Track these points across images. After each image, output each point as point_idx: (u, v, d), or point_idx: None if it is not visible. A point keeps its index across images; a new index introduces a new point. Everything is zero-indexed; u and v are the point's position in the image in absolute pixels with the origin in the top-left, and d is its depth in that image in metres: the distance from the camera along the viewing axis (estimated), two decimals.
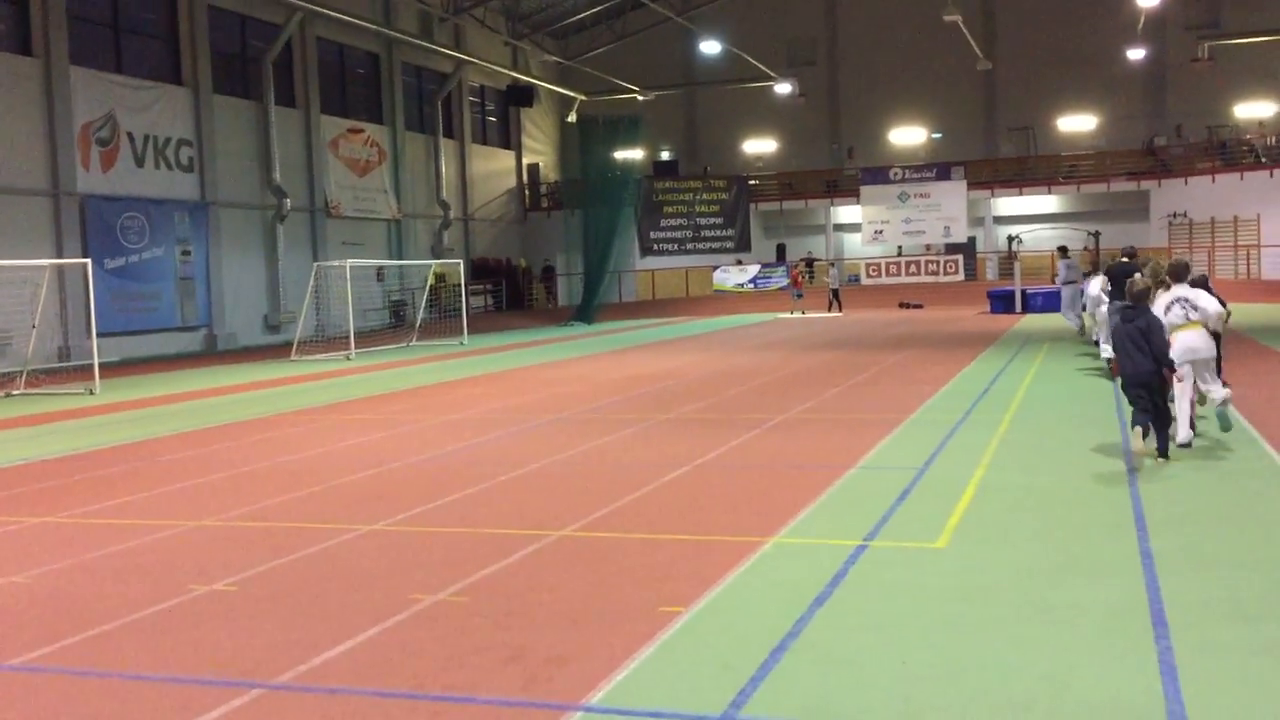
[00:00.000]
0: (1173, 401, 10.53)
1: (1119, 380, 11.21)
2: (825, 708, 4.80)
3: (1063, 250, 26.90)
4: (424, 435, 13.67)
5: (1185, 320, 10.57)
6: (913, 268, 47.91)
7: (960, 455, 10.80)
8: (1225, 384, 10.96)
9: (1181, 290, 10.73)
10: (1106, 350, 16.10)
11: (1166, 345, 9.97)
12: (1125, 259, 17.88)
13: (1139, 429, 9.72)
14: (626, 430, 13.37)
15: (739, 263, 49.10)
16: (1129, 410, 10.29)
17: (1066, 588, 6.41)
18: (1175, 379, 10.36)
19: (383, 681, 5.38)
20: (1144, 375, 9.91)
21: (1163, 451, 10.03)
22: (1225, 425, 10.67)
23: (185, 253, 31.96)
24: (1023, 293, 36.15)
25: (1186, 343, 10.44)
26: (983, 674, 5.13)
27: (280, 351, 30.29)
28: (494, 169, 48.91)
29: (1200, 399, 10.93)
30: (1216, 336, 10.93)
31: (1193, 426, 10.67)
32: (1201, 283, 11.17)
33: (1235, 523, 7.82)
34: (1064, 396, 14.97)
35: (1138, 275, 11.51)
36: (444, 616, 6.37)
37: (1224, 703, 4.71)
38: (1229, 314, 11.24)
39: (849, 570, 6.92)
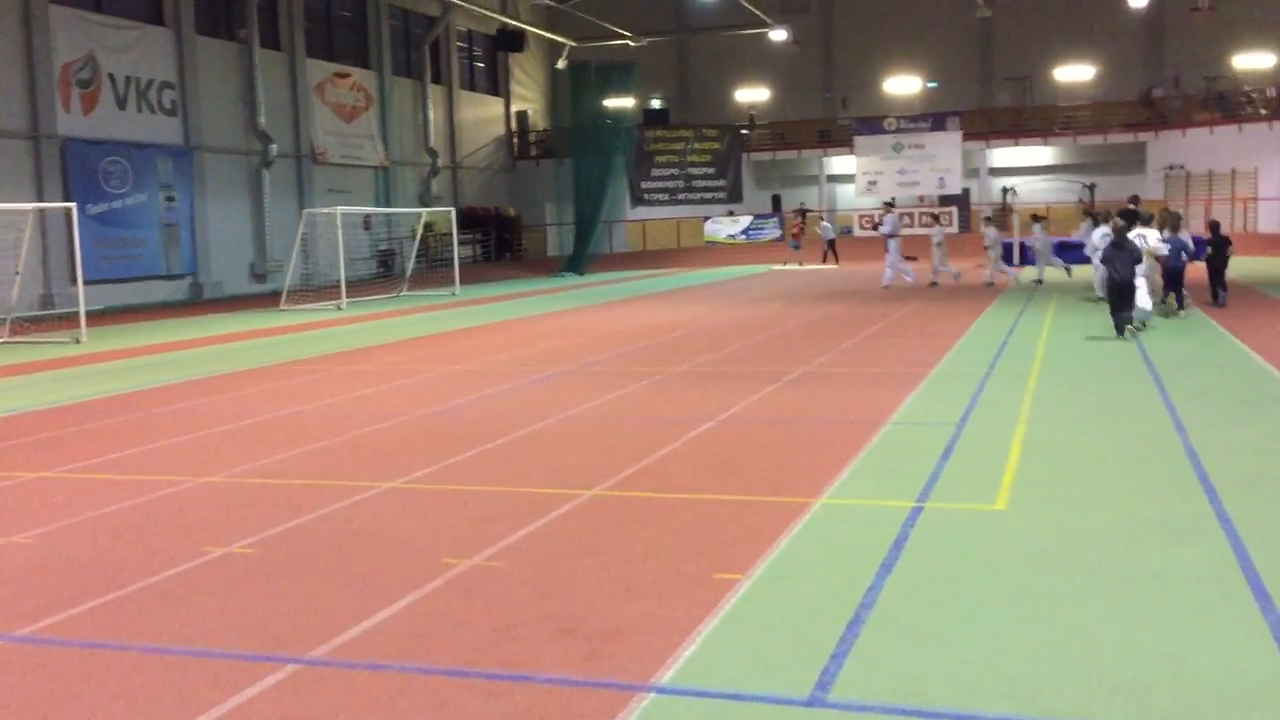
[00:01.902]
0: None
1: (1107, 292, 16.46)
2: (922, 690, 4.38)
3: (1035, 218, 29.12)
4: (430, 387, 13.18)
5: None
6: (907, 219, 47.35)
7: (996, 411, 10.40)
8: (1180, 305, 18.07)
9: (1140, 229, 16.62)
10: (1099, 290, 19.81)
11: (1139, 261, 15.59)
12: (1131, 207, 20.92)
13: (1119, 322, 15.29)
14: (640, 383, 12.91)
15: (731, 214, 48.49)
16: (1159, 357, 12.30)
17: (1147, 554, 6.01)
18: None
19: (428, 657, 4.95)
20: (1128, 281, 15.30)
21: (1120, 331, 15.28)
22: (1138, 325, 15.72)
23: (169, 199, 31.18)
24: (1021, 244, 35.72)
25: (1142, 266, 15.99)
26: (1086, 651, 4.72)
27: (268, 301, 29.67)
28: (482, 116, 48.01)
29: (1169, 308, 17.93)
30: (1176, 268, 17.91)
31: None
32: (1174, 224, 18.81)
33: None
34: (1087, 349, 14.57)
35: (1115, 220, 17.09)
36: (483, 583, 5.92)
37: None
38: (1163, 253, 17.22)
39: (909, 534, 6.50)
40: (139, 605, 5.78)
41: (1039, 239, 27.24)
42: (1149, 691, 4.29)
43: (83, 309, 20.73)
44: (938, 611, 5.27)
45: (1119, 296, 15.33)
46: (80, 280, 21.05)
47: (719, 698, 4.40)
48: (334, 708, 4.46)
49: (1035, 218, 29.35)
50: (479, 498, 7.80)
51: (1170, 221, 19.11)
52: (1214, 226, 20.87)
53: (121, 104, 29.85)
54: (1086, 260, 22.71)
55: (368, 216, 36.82)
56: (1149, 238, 16.62)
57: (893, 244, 27.69)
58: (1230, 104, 45.09)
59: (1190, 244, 18.92)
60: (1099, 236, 19.44)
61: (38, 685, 4.79)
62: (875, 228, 32.65)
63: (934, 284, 27.23)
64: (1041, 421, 9.80)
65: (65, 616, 5.65)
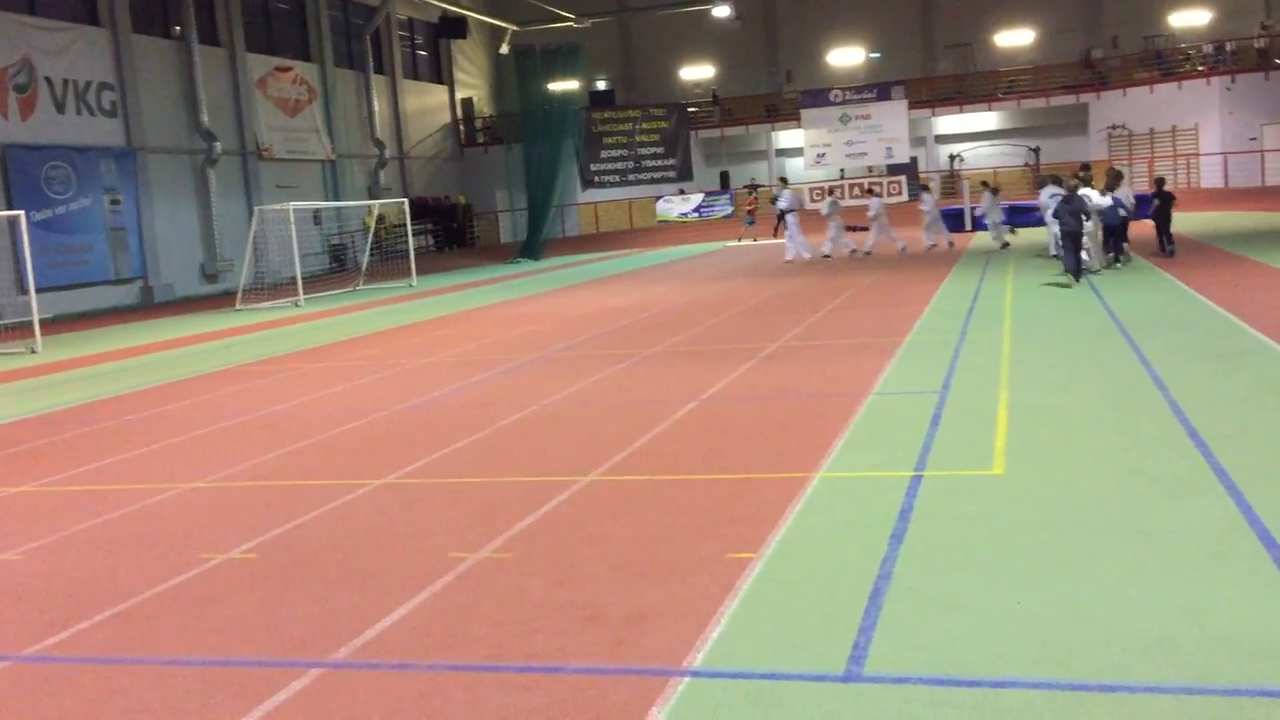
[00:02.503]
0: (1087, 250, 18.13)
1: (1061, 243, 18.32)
2: (957, 659, 4.40)
3: (985, 184, 29.92)
4: (404, 380, 13.06)
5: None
6: (856, 190, 47.58)
7: (976, 376, 10.47)
8: (1114, 256, 19.73)
9: (1084, 189, 18.48)
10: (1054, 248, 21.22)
11: (1087, 215, 17.74)
12: (1081, 173, 21.57)
13: (1070, 275, 17.30)
14: (616, 366, 12.87)
15: (682, 192, 48.47)
16: (1124, 314, 12.54)
17: (1152, 511, 6.08)
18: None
19: (454, 653, 4.90)
20: (1077, 233, 17.28)
21: (1077, 277, 17.31)
22: (1081, 273, 17.62)
23: (114, 202, 30.60)
24: (971, 210, 35.98)
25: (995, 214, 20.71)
26: (1110, 611, 4.76)
27: (222, 301, 29.28)
28: (427, 105, 47.58)
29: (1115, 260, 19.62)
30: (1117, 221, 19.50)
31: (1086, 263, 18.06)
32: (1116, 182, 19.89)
33: None
34: (1053, 312, 14.71)
35: (1069, 180, 19.11)
36: (495, 576, 5.88)
37: None
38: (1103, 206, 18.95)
39: (914, 503, 6.53)
40: (147, 617, 5.68)
41: (986, 204, 27.63)
42: (1178, 647, 4.34)
43: (36, 317, 20.32)
44: (956, 579, 5.29)
45: (1072, 246, 17.41)
46: (32, 287, 20.60)
47: (755, 678, 4.39)
48: (366, 710, 4.40)
49: (985, 184, 29.71)
50: (474, 490, 7.74)
51: (1110, 180, 20.15)
52: (1158, 183, 22.12)
53: (60, 107, 29.23)
54: (1040, 222, 23.16)
55: (318, 211, 36.38)
56: (1093, 196, 18.62)
57: (791, 220, 28.13)
58: (1168, 62, 45.66)
59: (1130, 201, 20.20)
60: (1047, 196, 20.67)
61: (54, 706, 4.69)
62: (772, 202, 33.16)
63: (826, 256, 27.87)
64: (1023, 384, 9.88)
65: (72, 633, 5.54)
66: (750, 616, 5.04)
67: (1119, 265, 19.59)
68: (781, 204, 29.13)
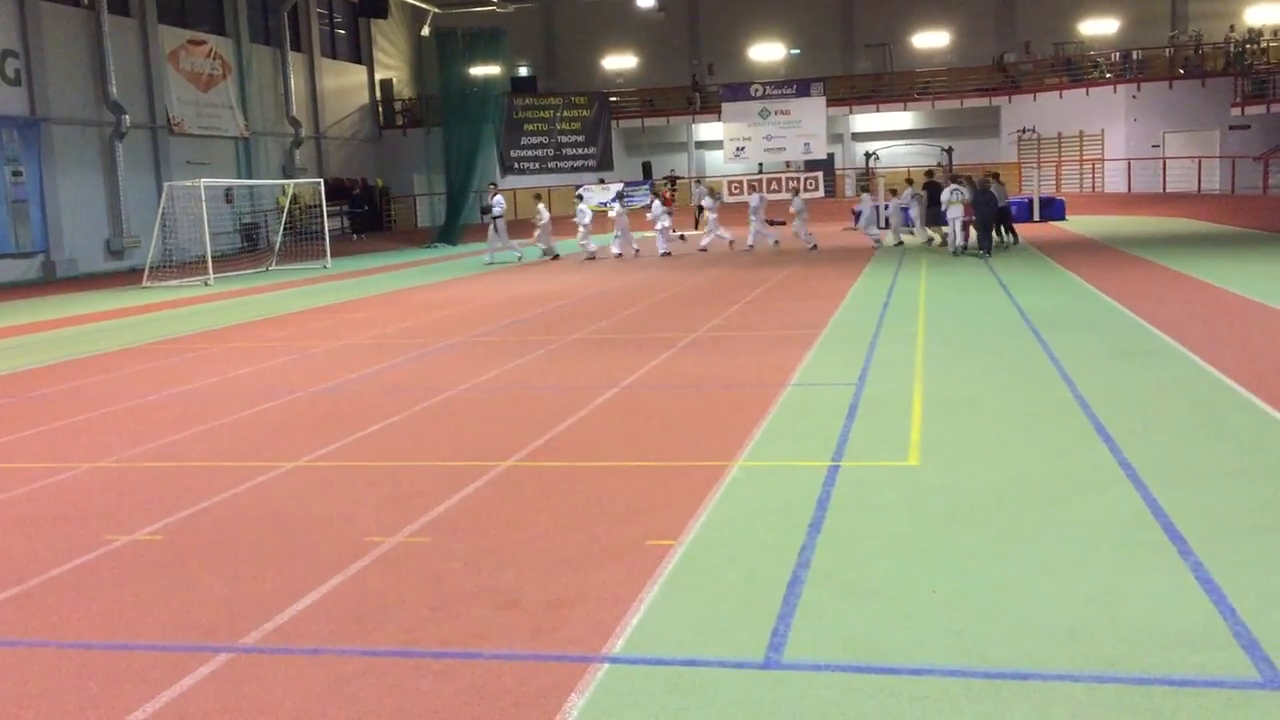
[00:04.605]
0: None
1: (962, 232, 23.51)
2: (874, 646, 4.44)
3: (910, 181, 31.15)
4: (318, 363, 12.84)
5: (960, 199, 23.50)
6: (774, 185, 47.92)
7: (891, 369, 10.60)
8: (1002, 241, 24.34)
9: (959, 185, 23.90)
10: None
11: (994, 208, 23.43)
12: (990, 177, 25.53)
13: (983, 253, 22.30)
14: (535, 353, 12.79)
15: (602, 181, 48.28)
16: (1034, 313, 12.95)
17: (1062, 504, 6.20)
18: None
19: (369, 638, 4.81)
20: (989, 221, 23.01)
21: (988, 252, 22.51)
22: (955, 251, 23.28)
23: (16, 173, 29.60)
24: (886, 208, 36.45)
25: (955, 210, 23.60)
26: (1023, 601, 4.84)
27: (128, 279, 28.53)
28: (345, 85, 46.80)
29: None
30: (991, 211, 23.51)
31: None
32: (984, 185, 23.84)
33: (1196, 431, 7.75)
34: (966, 308, 14.96)
35: (982, 179, 24.41)
36: (411, 560, 5.79)
37: None
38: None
39: (831, 493, 6.59)
40: (46, 599, 5.49)
41: (903, 203, 28.19)
42: (1090, 638, 4.42)
43: None
44: (873, 568, 5.34)
45: (984, 232, 22.87)
46: None
47: (675, 664, 4.38)
48: (277, 696, 4.30)
49: (910, 181, 30.24)
50: (390, 473, 7.63)
51: (979, 181, 24.49)
52: (984, 184, 24.38)
53: None
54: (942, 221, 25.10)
55: (230, 189, 35.58)
56: (965, 192, 23.70)
57: (659, 216, 29.25)
58: (1078, 68, 46.73)
59: (1003, 199, 25.18)
60: (948, 193, 24.08)
61: None
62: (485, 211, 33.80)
63: (714, 245, 28.95)
64: (937, 379, 10.03)
65: None
66: (670, 603, 5.03)
67: (1005, 247, 24.23)
68: (703, 201, 29.63)
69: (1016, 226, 25.96)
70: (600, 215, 32.93)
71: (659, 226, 28.94)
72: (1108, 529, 5.71)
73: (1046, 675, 4.10)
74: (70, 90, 31.55)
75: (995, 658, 4.28)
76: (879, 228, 29.29)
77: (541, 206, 29.31)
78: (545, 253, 29.35)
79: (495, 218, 28.86)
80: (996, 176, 25.96)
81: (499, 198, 29.53)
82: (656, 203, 30.49)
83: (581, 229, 28.84)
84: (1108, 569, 5.16)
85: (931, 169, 33.05)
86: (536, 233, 29.06)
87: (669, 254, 28.06)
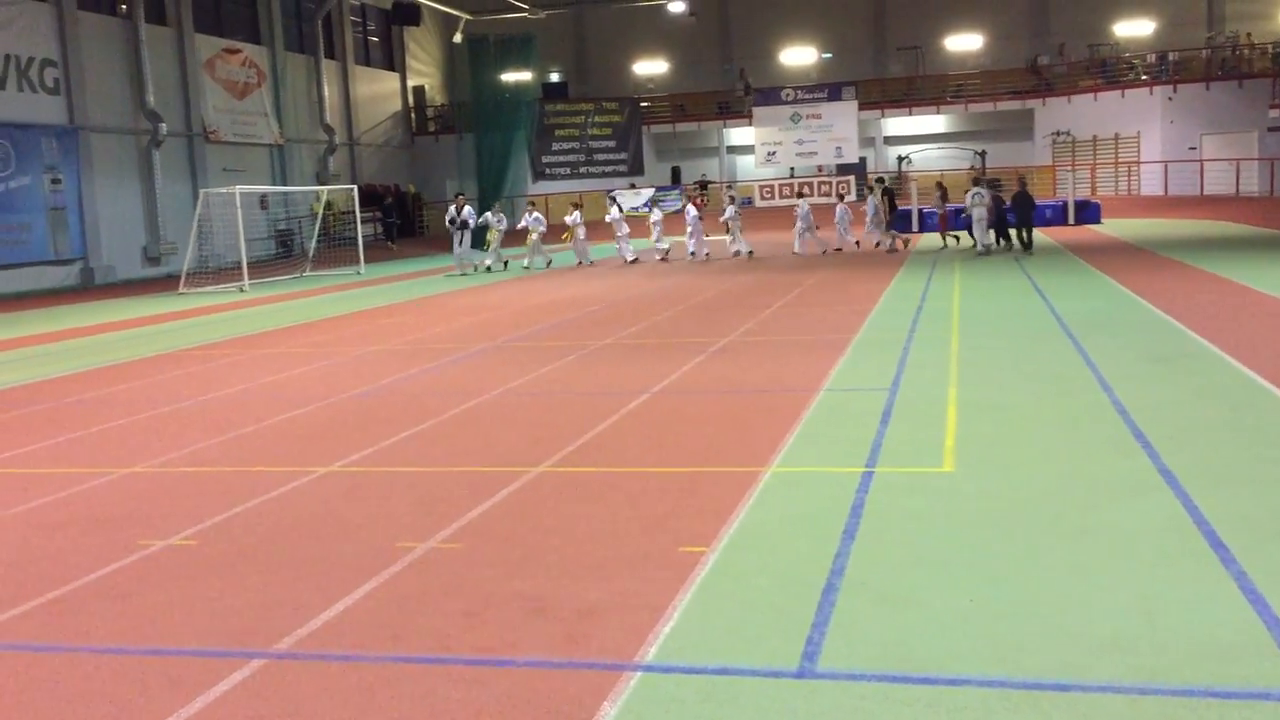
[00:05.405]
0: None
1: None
2: (910, 656, 4.39)
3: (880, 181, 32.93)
4: (352, 368, 12.89)
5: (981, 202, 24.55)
6: (805, 189, 47.79)
7: (925, 374, 10.51)
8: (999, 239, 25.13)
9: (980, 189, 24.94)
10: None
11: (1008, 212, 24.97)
12: (1020, 186, 26.13)
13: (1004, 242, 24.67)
14: (568, 358, 12.79)
15: (633, 186, 48.36)
16: (1069, 317, 12.31)
17: (1100, 510, 6.11)
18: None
19: (400, 645, 4.81)
20: (1030, 221, 24.45)
21: (1028, 249, 23.93)
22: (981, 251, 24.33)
23: (55, 181, 29.96)
24: (919, 211, 36.26)
25: (979, 212, 24.57)
26: (1061, 609, 4.77)
27: (164, 285, 28.78)
28: (378, 91, 47.08)
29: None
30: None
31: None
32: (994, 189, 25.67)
33: (1235, 436, 7.63)
34: (999, 312, 14.84)
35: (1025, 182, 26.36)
36: (443, 566, 5.79)
37: None
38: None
39: (865, 500, 6.53)
40: (82, 604, 5.52)
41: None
42: (1130, 647, 4.35)
43: None
44: (908, 576, 5.29)
45: (1003, 230, 24.80)
46: None
47: (708, 673, 4.34)
48: (310, 703, 4.30)
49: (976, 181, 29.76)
50: (422, 479, 7.63)
51: (1018, 181, 26.23)
52: (1021, 185, 25.92)
53: (1, 83, 28.55)
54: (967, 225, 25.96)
55: (265, 195, 35.85)
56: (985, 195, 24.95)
57: (693, 221, 29.02)
58: (1113, 70, 46.33)
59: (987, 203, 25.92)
60: (970, 196, 25.08)
61: None
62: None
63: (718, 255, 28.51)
64: (971, 383, 9.94)
65: (3, 620, 5.37)
66: (703, 611, 5.00)
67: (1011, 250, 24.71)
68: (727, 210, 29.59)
69: (1048, 230, 26.53)
70: (632, 219, 32.90)
71: (690, 231, 28.93)
72: (1147, 536, 5.62)
73: (1088, 686, 4.03)
74: (108, 99, 31.89)
75: (1034, 668, 4.22)
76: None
77: (578, 214, 29.14)
78: (529, 264, 29.04)
79: (463, 228, 28.44)
80: (1023, 180, 26.88)
81: (469, 208, 29.27)
82: (690, 207, 30.45)
83: (620, 234, 28.81)
84: (1148, 577, 5.08)
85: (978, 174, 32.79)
86: (533, 237, 28.88)
87: (707, 256, 28.02)
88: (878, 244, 27.75)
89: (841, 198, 31.55)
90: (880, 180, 32.78)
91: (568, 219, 29.26)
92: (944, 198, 29.38)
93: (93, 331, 18.77)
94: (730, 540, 5.94)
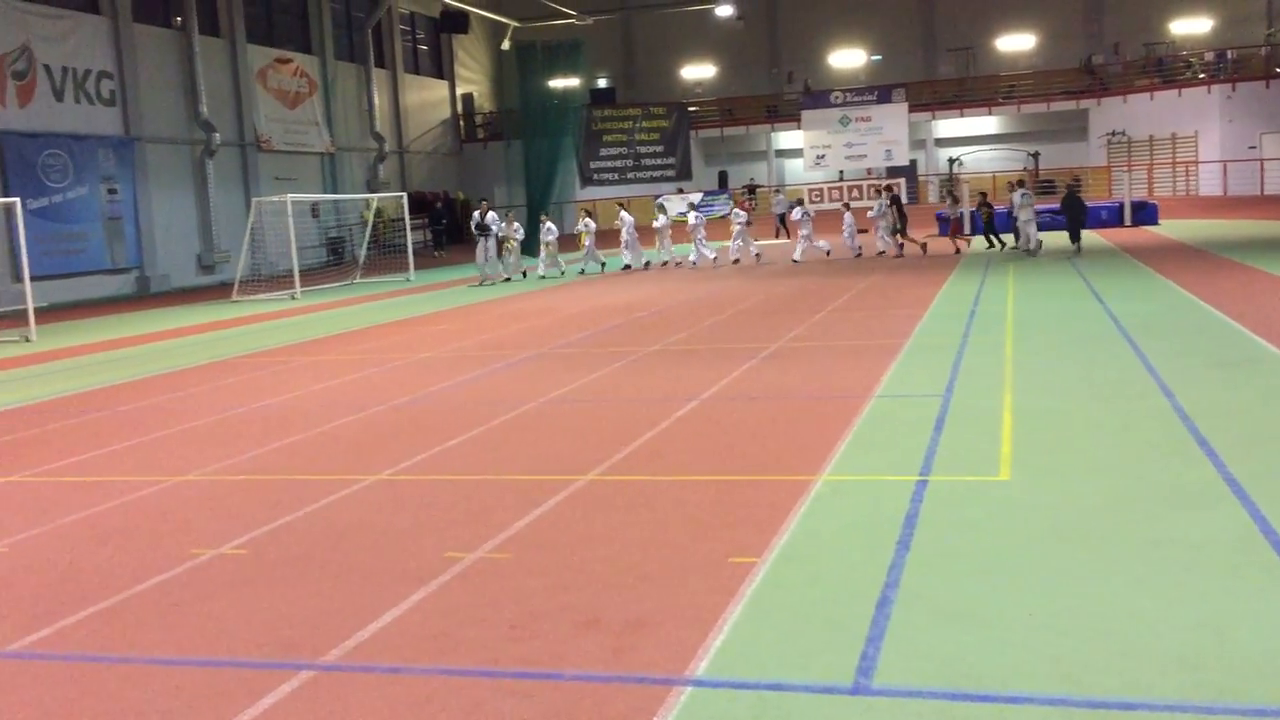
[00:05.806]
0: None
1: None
2: (968, 672, 4.27)
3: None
4: (401, 375, 12.92)
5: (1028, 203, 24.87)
6: (855, 192, 47.45)
7: (978, 380, 10.34)
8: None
9: (1024, 191, 25.28)
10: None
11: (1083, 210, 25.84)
12: (1073, 185, 26.88)
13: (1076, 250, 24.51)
14: (615, 364, 12.73)
15: (680, 191, 48.24)
16: (1127, 320, 12.59)
17: (1164, 520, 5.94)
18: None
19: (449, 656, 4.76)
20: (1082, 222, 25.27)
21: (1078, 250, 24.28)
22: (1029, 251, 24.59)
23: (111, 191, 30.44)
24: (972, 214, 35.85)
25: (1026, 214, 24.74)
26: (1125, 624, 4.62)
27: (218, 293, 29.13)
28: (427, 99, 47.43)
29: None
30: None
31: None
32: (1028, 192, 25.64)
33: None
34: (1055, 315, 14.59)
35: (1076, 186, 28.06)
36: (491, 577, 5.74)
37: None
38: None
39: (919, 509, 6.40)
40: (134, 614, 5.53)
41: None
42: (1199, 665, 4.20)
43: (30, 306, 20.15)
44: (965, 588, 5.16)
45: (1073, 229, 25.16)
46: (27, 275, 20.40)
47: (760, 689, 4.25)
48: (357, 714, 4.26)
49: (1020, 183, 29.64)
50: (471, 487, 7.60)
51: (1069, 185, 26.52)
52: (1071, 189, 27.18)
53: (59, 95, 29.06)
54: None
55: (316, 204, 36.21)
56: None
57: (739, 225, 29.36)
58: (1169, 69, 45.61)
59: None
60: (1019, 197, 25.21)
61: (38, 704, 4.54)
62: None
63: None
64: (1027, 389, 9.75)
65: (56, 629, 5.39)
66: (754, 624, 4.91)
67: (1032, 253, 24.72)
68: (787, 209, 29.61)
69: (1103, 232, 26.43)
70: (675, 224, 32.87)
71: (736, 235, 28.85)
72: (1214, 548, 5.45)
73: (1154, 705, 3.89)
74: (162, 109, 32.37)
75: (1098, 685, 4.09)
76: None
77: (625, 214, 29.17)
78: (546, 271, 28.95)
79: (484, 234, 28.22)
80: (1077, 182, 27.60)
81: (492, 214, 29.05)
82: (738, 211, 30.37)
83: (698, 237, 28.77)
84: (1215, 591, 4.92)
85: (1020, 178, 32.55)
86: (587, 242, 28.93)
87: (738, 260, 28.03)
88: (881, 252, 27.46)
89: (848, 206, 31.15)
90: (888, 188, 32.66)
91: (616, 221, 29.24)
92: (955, 202, 29.54)
93: (147, 340, 19.00)
94: (781, 551, 5.84)
